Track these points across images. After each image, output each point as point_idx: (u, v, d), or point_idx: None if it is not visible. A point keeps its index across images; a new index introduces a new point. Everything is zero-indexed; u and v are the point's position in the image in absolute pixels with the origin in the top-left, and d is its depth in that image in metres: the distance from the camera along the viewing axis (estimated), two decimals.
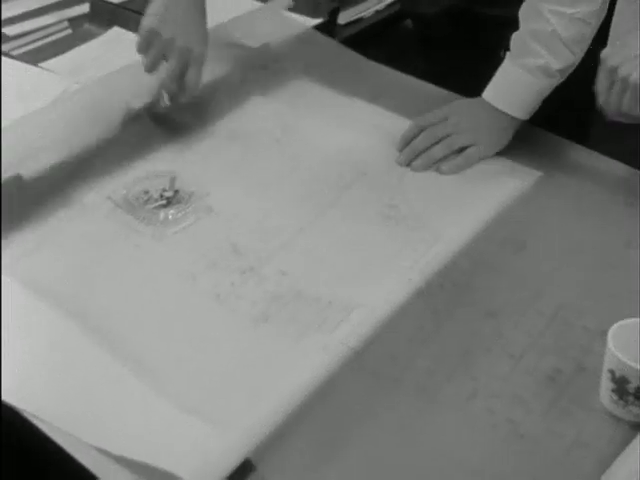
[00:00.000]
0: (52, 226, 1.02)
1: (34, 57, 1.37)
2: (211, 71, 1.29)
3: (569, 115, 1.26)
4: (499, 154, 1.16)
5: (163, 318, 0.91)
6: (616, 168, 1.15)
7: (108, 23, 1.47)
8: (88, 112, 1.15)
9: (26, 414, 0.79)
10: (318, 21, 1.47)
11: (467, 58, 1.35)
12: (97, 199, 1.07)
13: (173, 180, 1.08)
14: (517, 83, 1.14)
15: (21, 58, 1.36)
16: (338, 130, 1.21)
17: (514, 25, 1.14)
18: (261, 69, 1.33)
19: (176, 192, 1.07)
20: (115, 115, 1.18)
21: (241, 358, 0.86)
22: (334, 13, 1.44)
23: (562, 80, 1.15)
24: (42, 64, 1.35)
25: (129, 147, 1.16)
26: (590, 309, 0.93)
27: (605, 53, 1.05)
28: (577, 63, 1.15)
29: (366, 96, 1.28)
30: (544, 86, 1.14)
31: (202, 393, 0.82)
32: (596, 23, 1.13)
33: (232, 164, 1.15)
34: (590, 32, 1.13)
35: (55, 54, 1.38)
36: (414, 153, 1.14)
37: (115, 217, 1.04)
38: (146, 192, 1.07)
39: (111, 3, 1.52)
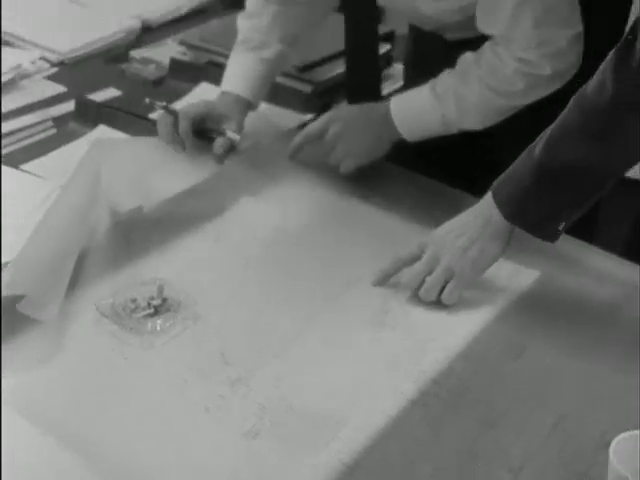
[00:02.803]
0: (34, 339, 1.06)
1: (17, 158, 1.44)
2: (200, 172, 1.38)
3: None
4: None
5: (151, 434, 0.95)
6: (617, 264, 1.22)
7: (94, 122, 1.55)
8: (72, 219, 1.21)
9: None
10: (310, 117, 1.56)
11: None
12: (83, 308, 1.12)
13: (161, 288, 1.13)
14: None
15: (4, 160, 1.43)
16: (331, 232, 1.28)
17: None
18: (251, 169, 1.41)
19: (164, 300, 1.13)
20: (100, 220, 1.25)
21: (231, 477, 0.90)
22: (325, 109, 1.52)
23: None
24: (25, 165, 1.42)
25: (115, 253, 1.22)
26: (593, 418, 0.98)
27: (427, 240, 1.16)
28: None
29: (361, 194, 1.36)
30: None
31: None
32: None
33: (221, 269, 1.21)
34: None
35: (39, 154, 1.45)
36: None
37: (102, 327, 1.09)
38: (133, 300, 1.13)
39: (96, 101, 1.61)
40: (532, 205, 1.12)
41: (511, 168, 1.14)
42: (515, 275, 1.19)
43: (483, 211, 1.15)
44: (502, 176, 1.15)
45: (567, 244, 1.23)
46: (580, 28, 1.26)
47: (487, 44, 1.31)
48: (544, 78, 1.29)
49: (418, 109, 1.35)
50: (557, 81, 1.29)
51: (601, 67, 1.06)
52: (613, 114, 1.04)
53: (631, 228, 1.28)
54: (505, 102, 1.32)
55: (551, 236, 1.13)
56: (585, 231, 1.28)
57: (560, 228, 1.12)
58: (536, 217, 1.12)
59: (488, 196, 1.15)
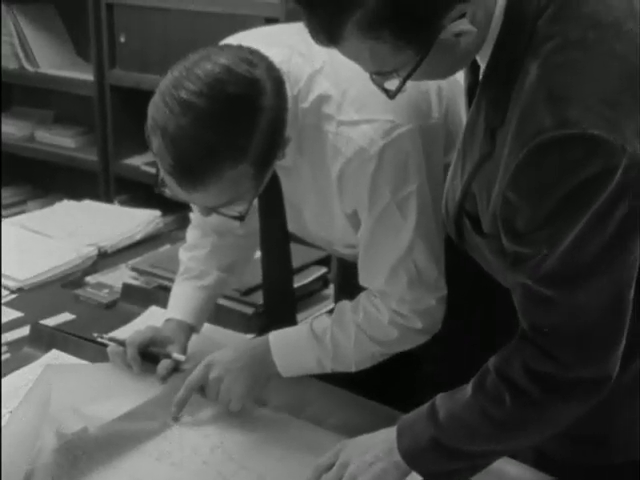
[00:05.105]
0: None
1: None
2: (144, 393, 1.48)
3: None
4: None
5: None
6: (527, 472, 1.31)
7: (47, 346, 1.66)
8: (20, 444, 1.30)
9: None
10: (251, 336, 1.69)
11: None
12: None
13: None
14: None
15: None
16: (265, 446, 1.38)
17: None
18: None
19: None
20: (47, 441, 1.34)
21: None
22: (265, 329, 1.64)
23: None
24: None
25: (60, 473, 1.30)
26: None
27: (343, 444, 1.26)
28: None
29: (293, 409, 1.47)
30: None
31: None
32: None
33: None
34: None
35: None
36: None
37: None
38: None
39: (50, 326, 1.73)
40: (426, 463, 1.20)
41: (414, 417, 1.22)
42: None
43: (391, 440, 1.23)
44: (406, 420, 1.23)
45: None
46: (445, 291, 1.40)
47: (364, 294, 1.44)
48: (415, 331, 1.41)
49: (296, 347, 1.45)
50: (427, 334, 1.42)
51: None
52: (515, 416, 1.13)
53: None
54: (379, 349, 1.43)
55: None
56: None
57: None
58: (430, 472, 1.21)
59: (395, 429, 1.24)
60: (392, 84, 1.10)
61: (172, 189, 1.28)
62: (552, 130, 0.99)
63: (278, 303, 1.60)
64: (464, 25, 1.03)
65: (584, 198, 1.00)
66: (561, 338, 1.08)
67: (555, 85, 1.01)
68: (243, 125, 1.21)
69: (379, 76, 1.10)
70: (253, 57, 1.25)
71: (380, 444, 1.24)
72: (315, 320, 1.47)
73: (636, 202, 1.01)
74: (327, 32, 1.05)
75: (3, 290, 1.91)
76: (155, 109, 1.23)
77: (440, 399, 1.20)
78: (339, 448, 1.28)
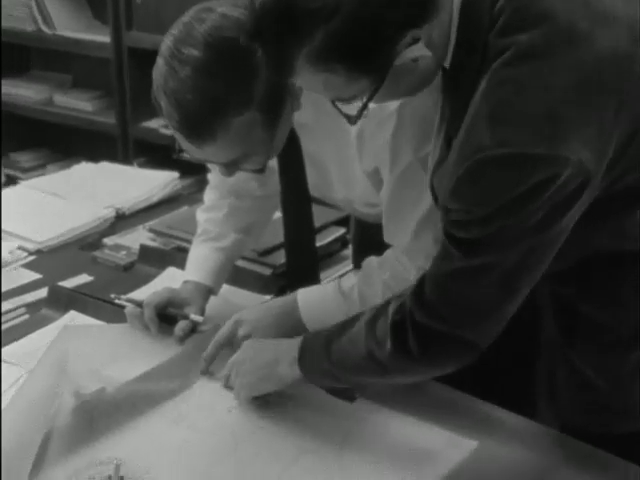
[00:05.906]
0: None
1: None
2: (162, 354, 1.48)
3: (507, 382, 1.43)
4: (434, 423, 1.29)
5: None
6: (550, 435, 1.29)
7: (65, 307, 1.66)
8: (38, 404, 1.30)
9: None
10: (269, 297, 1.68)
11: None
12: None
13: (118, 467, 1.21)
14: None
15: None
16: (280, 409, 1.37)
17: None
18: None
19: (121, 479, 1.20)
20: (65, 402, 1.34)
21: None
22: (283, 290, 1.63)
23: None
24: None
25: (78, 433, 1.30)
26: None
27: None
28: None
29: None
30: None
31: None
32: None
33: (178, 447, 1.29)
34: None
35: (11, 340, 1.55)
36: None
37: None
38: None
39: (68, 288, 1.73)
40: (320, 380, 1.27)
41: (313, 341, 1.27)
42: (453, 444, 1.26)
43: (292, 349, 1.28)
44: (307, 341, 1.28)
45: (507, 416, 1.32)
46: None
47: (390, 251, 1.43)
48: None
49: (323, 304, 1.43)
50: None
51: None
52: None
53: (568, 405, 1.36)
54: None
55: (348, 398, 1.29)
56: (527, 407, 1.36)
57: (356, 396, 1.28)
58: (324, 387, 1.28)
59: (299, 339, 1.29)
60: (354, 108, 1.09)
61: (185, 148, 1.26)
62: (491, 149, 0.99)
63: (301, 263, 1.59)
64: (419, 50, 1.03)
65: (521, 205, 1.02)
66: (451, 296, 1.11)
67: (497, 103, 1.01)
68: (241, 69, 1.19)
69: (340, 102, 1.09)
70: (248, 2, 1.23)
71: (279, 347, 1.31)
72: (342, 278, 1.45)
73: (560, 195, 1.01)
74: (280, 66, 1.06)
75: (22, 252, 1.91)
76: (158, 72, 1.23)
77: (336, 328, 1.24)
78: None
